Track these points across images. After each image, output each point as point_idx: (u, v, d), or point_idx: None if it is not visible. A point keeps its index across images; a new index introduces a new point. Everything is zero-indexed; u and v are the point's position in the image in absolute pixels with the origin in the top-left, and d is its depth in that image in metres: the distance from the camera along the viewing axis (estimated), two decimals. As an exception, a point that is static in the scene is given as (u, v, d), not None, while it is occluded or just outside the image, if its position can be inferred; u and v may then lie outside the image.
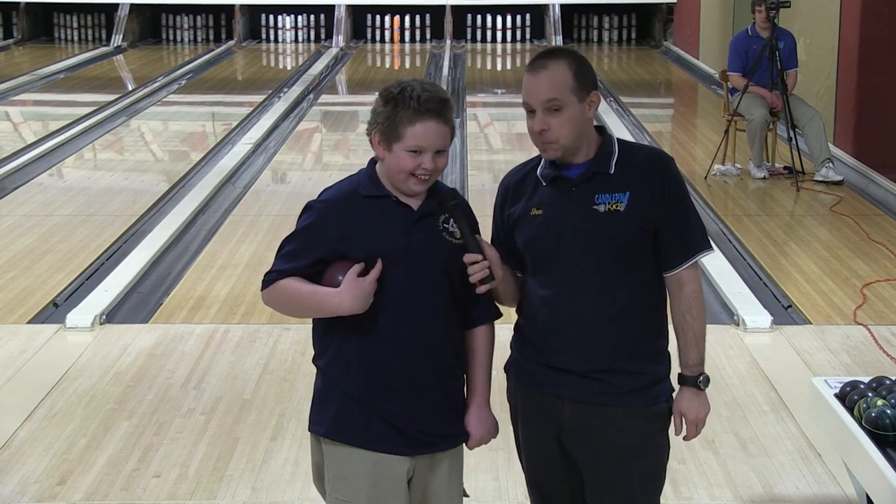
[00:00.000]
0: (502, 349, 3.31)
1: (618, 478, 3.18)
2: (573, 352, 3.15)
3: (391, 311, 3.09)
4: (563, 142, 3.12)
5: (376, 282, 3.05)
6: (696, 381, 3.21)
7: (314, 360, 3.23)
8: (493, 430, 3.27)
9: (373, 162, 3.20)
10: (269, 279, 3.15)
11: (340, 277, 3.06)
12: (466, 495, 3.30)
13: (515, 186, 3.25)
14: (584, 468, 3.21)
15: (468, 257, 3.10)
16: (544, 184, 3.19)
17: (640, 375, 3.17)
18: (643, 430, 3.18)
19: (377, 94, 3.15)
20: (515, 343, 3.30)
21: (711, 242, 3.28)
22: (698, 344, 3.21)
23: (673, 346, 3.27)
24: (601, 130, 3.23)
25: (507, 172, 3.34)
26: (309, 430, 3.22)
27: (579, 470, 3.23)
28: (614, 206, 3.11)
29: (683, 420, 3.23)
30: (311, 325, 3.23)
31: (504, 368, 3.35)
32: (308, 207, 3.17)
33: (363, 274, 3.05)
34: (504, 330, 3.32)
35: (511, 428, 3.35)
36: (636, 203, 3.12)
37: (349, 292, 3.04)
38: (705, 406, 3.24)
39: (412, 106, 3.05)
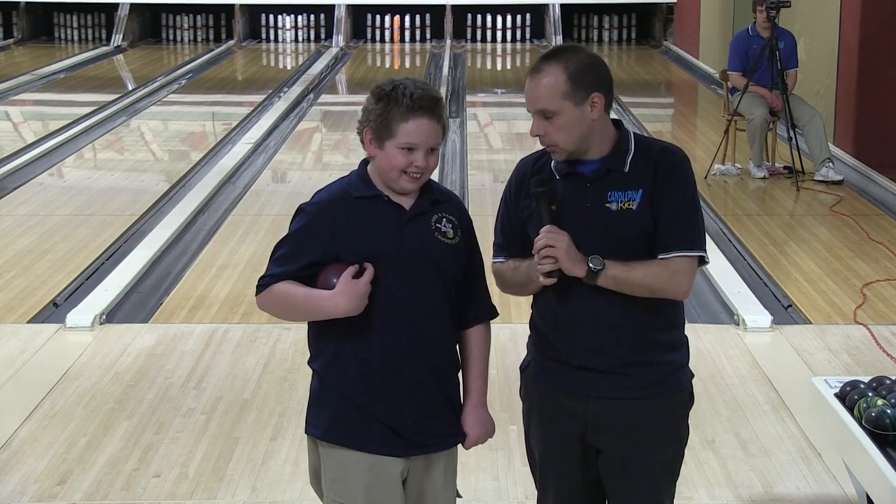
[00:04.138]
0: (500, 349, 3.30)
1: (642, 467, 3.18)
2: (593, 349, 3.13)
3: (386, 311, 3.08)
4: (562, 146, 3.10)
5: (371, 283, 3.05)
6: None
7: (310, 363, 3.21)
8: (490, 431, 3.27)
9: (364, 163, 3.19)
10: (262, 283, 3.14)
11: (335, 280, 3.05)
12: (459, 496, 3.30)
13: (530, 178, 3.20)
14: (607, 460, 3.20)
15: (537, 241, 3.06)
16: (557, 177, 3.16)
17: (660, 366, 3.16)
18: (667, 419, 3.18)
19: (369, 92, 3.15)
20: (533, 342, 3.27)
21: (705, 254, 3.16)
22: None
23: (689, 334, 3.26)
24: (618, 125, 3.19)
25: (521, 160, 3.28)
26: (305, 432, 3.21)
27: (595, 470, 3.22)
28: (626, 205, 3.09)
29: None
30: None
31: (520, 368, 3.34)
32: (300, 210, 3.17)
33: (357, 276, 3.05)
34: (504, 329, 3.31)
35: (511, 428, 3.35)
36: (647, 200, 3.09)
37: (344, 294, 3.03)
38: None
39: (405, 103, 3.04)
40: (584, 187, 3.13)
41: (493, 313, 3.27)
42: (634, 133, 3.21)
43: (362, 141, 3.13)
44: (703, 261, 3.16)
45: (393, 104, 3.05)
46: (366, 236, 3.08)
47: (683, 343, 3.24)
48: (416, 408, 3.12)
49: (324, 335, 3.14)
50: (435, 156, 3.11)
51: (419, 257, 3.09)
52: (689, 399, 3.25)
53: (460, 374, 3.25)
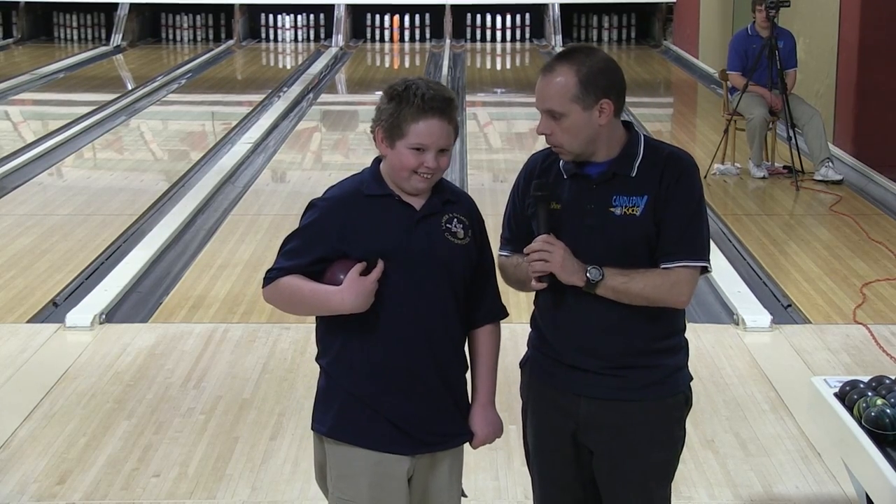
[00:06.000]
0: (500, 349, 3.30)
1: (633, 469, 3.17)
2: (587, 350, 3.13)
3: (393, 310, 3.08)
4: (567, 147, 3.09)
5: (378, 281, 3.05)
6: None
7: (317, 359, 3.22)
8: (498, 431, 3.26)
9: (377, 161, 3.20)
10: (270, 276, 3.15)
11: (342, 276, 3.06)
12: (465, 495, 3.30)
13: (539, 175, 3.19)
14: (598, 460, 3.19)
15: (530, 247, 3.07)
16: (565, 176, 3.16)
17: (655, 369, 3.14)
18: (660, 422, 3.17)
19: (381, 91, 3.14)
20: (531, 339, 3.29)
21: (708, 264, 3.15)
22: None
23: (689, 334, 3.25)
24: (629, 127, 3.18)
25: (532, 155, 3.29)
26: (312, 428, 3.22)
27: (590, 470, 3.22)
28: (630, 210, 3.08)
29: None
30: (311, 325, 3.23)
31: (520, 364, 3.34)
32: (311, 205, 3.17)
33: (365, 273, 3.05)
34: (504, 329, 3.31)
35: (510, 427, 3.34)
36: (652, 207, 3.08)
37: (351, 291, 3.03)
38: None
39: (416, 104, 3.04)
40: (590, 189, 3.12)
41: (503, 313, 3.27)
42: (645, 136, 3.19)
43: (374, 139, 3.13)
44: (705, 270, 3.14)
45: (404, 104, 3.05)
46: (375, 235, 3.08)
47: (682, 347, 3.22)
48: (421, 406, 3.12)
49: (331, 332, 3.15)
50: (446, 156, 3.11)
51: (427, 257, 3.10)
52: (686, 402, 3.23)
53: (468, 374, 3.25)
